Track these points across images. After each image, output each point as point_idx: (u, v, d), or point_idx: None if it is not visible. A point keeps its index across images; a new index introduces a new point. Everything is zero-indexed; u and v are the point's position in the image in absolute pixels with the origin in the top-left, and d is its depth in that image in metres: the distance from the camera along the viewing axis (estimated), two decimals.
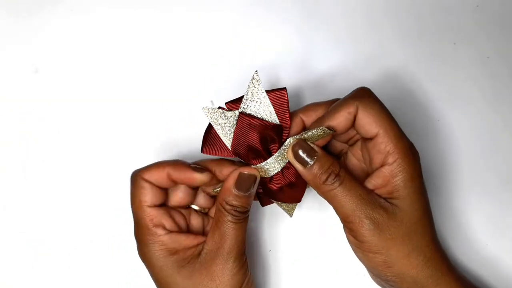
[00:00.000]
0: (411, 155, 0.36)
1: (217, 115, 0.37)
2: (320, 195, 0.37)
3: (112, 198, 0.46)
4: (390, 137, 0.36)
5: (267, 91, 0.37)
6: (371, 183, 0.37)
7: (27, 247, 0.46)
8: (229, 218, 0.37)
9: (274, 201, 0.40)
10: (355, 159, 0.40)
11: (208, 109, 0.37)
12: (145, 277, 0.45)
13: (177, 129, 0.47)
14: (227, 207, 0.37)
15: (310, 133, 0.37)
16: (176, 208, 0.40)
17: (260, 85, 0.37)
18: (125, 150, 0.47)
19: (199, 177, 0.37)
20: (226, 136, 0.37)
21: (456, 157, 0.46)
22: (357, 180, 0.37)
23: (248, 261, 0.39)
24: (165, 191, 0.39)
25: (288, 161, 0.38)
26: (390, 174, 0.36)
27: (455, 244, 0.45)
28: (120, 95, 0.47)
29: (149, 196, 0.38)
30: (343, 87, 0.46)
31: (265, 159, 0.37)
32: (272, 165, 0.37)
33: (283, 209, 0.40)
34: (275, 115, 0.37)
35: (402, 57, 0.47)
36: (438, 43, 0.47)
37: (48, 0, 0.48)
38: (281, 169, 0.38)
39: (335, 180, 0.36)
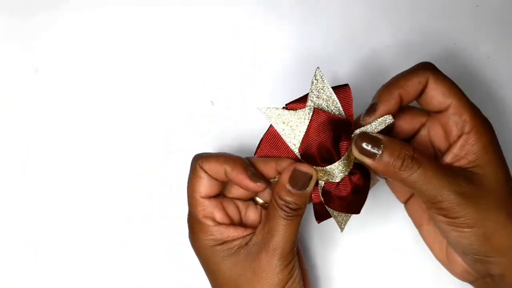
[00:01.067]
0: (487, 122, 0.36)
1: (280, 115, 0.35)
2: (399, 183, 0.35)
3: (112, 198, 0.46)
4: (464, 105, 0.35)
5: (332, 88, 0.35)
6: (450, 156, 0.36)
7: (27, 247, 0.46)
8: (281, 213, 0.35)
9: (331, 211, 0.37)
10: (420, 146, 0.39)
11: (267, 109, 0.35)
12: (145, 277, 0.45)
13: (177, 129, 0.47)
14: (280, 202, 0.35)
15: (369, 126, 0.35)
16: (234, 199, 0.39)
17: (326, 81, 0.35)
18: (125, 150, 0.47)
19: (252, 186, 0.36)
20: (294, 136, 0.35)
21: None
22: (433, 159, 0.35)
23: (297, 261, 0.37)
24: (222, 183, 0.38)
25: (354, 163, 0.36)
26: (469, 142, 0.35)
27: None
28: (120, 95, 0.47)
29: (203, 187, 0.37)
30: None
31: (334, 160, 0.35)
32: (340, 168, 0.35)
33: (337, 221, 0.38)
34: (344, 113, 0.35)
35: (401, 57, 0.47)
36: (438, 42, 0.47)
37: (48, 0, 0.48)
38: (349, 174, 0.36)
39: (412, 163, 0.34)
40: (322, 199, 0.36)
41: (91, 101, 0.47)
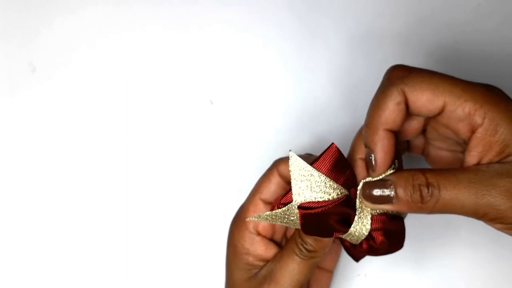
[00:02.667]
0: (495, 96, 0.30)
1: (275, 216, 0.32)
2: (431, 214, 0.30)
3: (112, 198, 0.46)
4: (461, 95, 0.29)
5: (315, 161, 0.31)
6: (472, 156, 0.30)
7: (27, 247, 0.46)
8: (296, 250, 0.34)
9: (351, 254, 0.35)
10: (441, 151, 0.34)
11: (260, 217, 0.33)
12: (145, 277, 0.45)
13: (177, 129, 0.47)
14: (298, 239, 0.34)
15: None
16: None
17: (302, 162, 0.31)
18: (124, 150, 0.47)
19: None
20: (292, 224, 0.33)
21: None
22: (451, 169, 0.30)
23: None
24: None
25: (371, 215, 0.32)
26: (488, 134, 0.29)
27: None
28: (119, 95, 0.47)
29: (269, 192, 0.36)
30: (345, 90, 0.46)
31: (344, 232, 0.32)
32: (356, 233, 0.32)
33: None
34: (335, 184, 0.31)
35: (402, 55, 0.46)
36: (439, 41, 0.47)
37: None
38: (369, 233, 0.33)
39: (430, 190, 0.29)
40: (347, 253, 0.35)
41: (90, 101, 0.47)
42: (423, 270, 0.44)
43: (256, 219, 0.33)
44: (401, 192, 0.30)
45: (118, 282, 0.46)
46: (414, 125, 0.33)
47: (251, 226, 0.36)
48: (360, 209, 0.32)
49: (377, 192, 0.30)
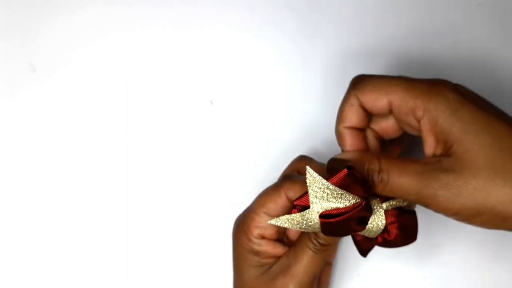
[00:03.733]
0: (436, 89, 0.31)
1: (293, 221, 0.34)
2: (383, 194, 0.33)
3: (112, 198, 0.46)
4: (403, 93, 0.31)
5: (328, 178, 0.33)
6: (428, 147, 0.32)
7: (27, 247, 0.46)
8: (309, 244, 0.35)
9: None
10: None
11: (280, 220, 0.34)
12: (144, 277, 0.45)
13: (177, 129, 0.47)
14: (312, 234, 0.35)
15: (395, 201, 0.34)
16: None
17: (316, 177, 0.33)
18: (124, 150, 0.47)
19: None
20: (310, 229, 0.34)
21: None
22: (406, 159, 0.32)
23: None
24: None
25: (385, 210, 0.34)
26: (430, 125, 0.31)
27: None
28: (119, 95, 0.47)
29: (275, 210, 0.36)
30: (345, 90, 0.46)
31: (361, 230, 0.34)
32: (373, 230, 0.34)
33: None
34: (351, 194, 0.33)
35: (402, 55, 0.46)
36: (438, 42, 0.47)
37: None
38: (385, 228, 0.34)
39: (380, 176, 0.32)
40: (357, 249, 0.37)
41: (90, 101, 0.47)
42: (423, 270, 0.44)
43: (275, 222, 0.34)
44: (358, 169, 0.32)
45: (118, 282, 0.46)
46: (390, 124, 0.35)
47: (256, 233, 0.37)
48: (374, 207, 0.34)
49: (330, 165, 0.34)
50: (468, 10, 0.47)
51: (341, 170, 0.32)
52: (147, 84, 0.47)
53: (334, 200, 0.33)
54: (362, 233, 0.34)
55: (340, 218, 0.32)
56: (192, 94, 0.47)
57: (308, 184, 0.33)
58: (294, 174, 0.39)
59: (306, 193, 0.33)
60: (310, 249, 0.35)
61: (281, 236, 0.39)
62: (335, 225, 0.33)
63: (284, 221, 0.34)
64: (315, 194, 0.33)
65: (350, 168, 0.32)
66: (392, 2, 0.47)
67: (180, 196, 0.46)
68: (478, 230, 0.44)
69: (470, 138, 0.30)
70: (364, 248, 0.37)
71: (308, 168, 0.32)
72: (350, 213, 0.32)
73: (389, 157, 0.33)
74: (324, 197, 0.33)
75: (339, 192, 0.33)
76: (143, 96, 0.47)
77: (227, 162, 0.46)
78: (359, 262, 0.44)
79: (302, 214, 0.33)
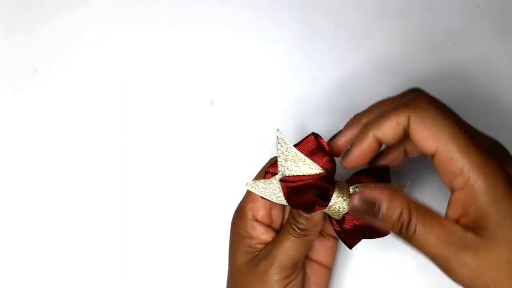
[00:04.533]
0: (489, 171, 0.29)
1: (263, 186, 0.36)
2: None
3: (112, 198, 0.46)
4: (454, 153, 0.29)
5: (296, 145, 0.35)
6: (452, 211, 0.31)
7: (27, 246, 0.47)
8: (290, 230, 0.37)
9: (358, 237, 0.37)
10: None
11: (252, 184, 0.36)
12: (144, 277, 0.45)
13: (177, 130, 0.47)
14: (291, 219, 0.37)
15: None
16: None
17: (287, 142, 0.35)
18: (124, 150, 0.47)
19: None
20: (280, 200, 0.36)
21: None
22: (434, 217, 0.31)
23: (299, 281, 0.38)
24: None
25: (351, 193, 0.35)
26: (465, 200, 0.29)
27: None
28: (120, 95, 0.47)
29: None
30: (345, 90, 0.46)
31: (325, 206, 0.35)
32: (337, 206, 0.35)
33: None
34: (315, 164, 0.35)
35: (402, 57, 0.47)
36: (438, 42, 0.47)
37: (47, 0, 0.48)
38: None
39: (408, 228, 0.30)
40: (335, 233, 0.37)
41: (91, 101, 0.47)
42: (422, 270, 0.44)
43: (252, 187, 0.36)
44: (388, 212, 0.31)
45: (118, 282, 0.46)
46: (415, 150, 0.36)
47: (250, 214, 0.38)
48: (340, 187, 0.35)
49: (365, 206, 0.32)
50: (466, 12, 0.47)
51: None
52: (148, 85, 0.48)
53: (297, 168, 0.35)
54: (326, 210, 0.35)
55: (298, 183, 0.34)
56: (192, 95, 0.47)
57: (278, 149, 0.35)
58: None
59: (276, 162, 0.35)
60: (291, 234, 0.37)
61: (276, 223, 0.40)
62: (295, 191, 0.35)
63: (260, 186, 0.36)
64: (283, 158, 0.35)
65: (316, 136, 0.35)
66: (392, 3, 0.47)
67: (180, 196, 0.46)
68: None
69: (503, 231, 0.29)
70: (346, 240, 0.37)
71: (278, 133, 0.34)
72: (309, 180, 0.34)
73: (420, 209, 0.31)
74: (289, 162, 0.35)
75: (303, 159, 0.35)
76: (143, 96, 0.47)
77: (227, 162, 0.46)
78: (358, 261, 0.45)
79: (272, 180, 0.35)
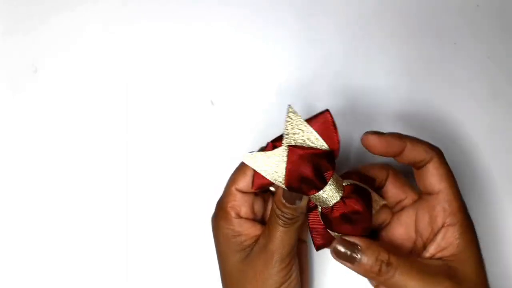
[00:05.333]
0: (468, 217, 0.37)
1: (262, 159, 0.36)
2: (380, 284, 0.37)
3: (112, 197, 0.46)
4: (455, 196, 0.37)
5: (308, 120, 0.36)
6: (431, 248, 0.37)
7: (27, 246, 0.47)
8: (279, 221, 0.37)
9: (333, 234, 0.38)
10: (401, 228, 0.40)
11: (250, 155, 0.36)
12: (144, 277, 0.45)
13: (177, 130, 0.47)
14: (278, 211, 0.37)
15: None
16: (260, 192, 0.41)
17: (298, 116, 0.35)
18: (124, 151, 0.47)
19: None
20: (278, 175, 0.36)
21: (456, 157, 0.46)
22: (411, 257, 0.37)
23: (295, 266, 0.39)
24: None
25: (350, 188, 0.36)
26: (453, 235, 0.36)
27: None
28: (120, 95, 0.47)
29: (244, 183, 0.39)
30: (345, 90, 0.46)
31: (321, 188, 0.36)
32: (330, 193, 0.36)
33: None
34: (322, 140, 0.36)
35: (402, 57, 0.47)
36: (438, 42, 0.47)
37: (48, 0, 0.48)
38: (342, 198, 0.36)
39: (388, 268, 0.35)
40: (323, 222, 0.37)
41: (91, 101, 0.47)
42: None
43: (250, 158, 0.36)
44: (365, 259, 0.35)
45: (118, 282, 0.46)
46: (400, 195, 0.40)
47: (233, 213, 0.39)
48: (335, 177, 0.35)
49: (344, 250, 0.36)
50: (466, 12, 0.47)
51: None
52: (148, 85, 0.48)
53: (303, 139, 0.35)
54: (315, 196, 0.35)
55: (305, 152, 0.35)
56: (193, 95, 0.47)
57: (287, 121, 0.35)
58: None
59: (281, 136, 0.36)
60: (281, 225, 0.37)
61: (259, 216, 0.41)
62: (298, 160, 0.35)
63: (259, 159, 0.36)
64: (291, 131, 0.35)
65: (329, 114, 0.36)
66: (392, 3, 0.47)
67: (180, 196, 0.46)
68: (479, 232, 0.45)
69: (474, 267, 0.36)
70: (335, 228, 0.37)
71: (289, 107, 0.35)
72: (315, 151, 0.35)
73: (397, 253, 0.36)
74: (297, 135, 0.35)
75: (312, 133, 0.35)
76: (143, 96, 0.47)
77: (227, 162, 0.46)
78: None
79: (275, 151, 0.36)
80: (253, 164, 0.36)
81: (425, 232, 0.38)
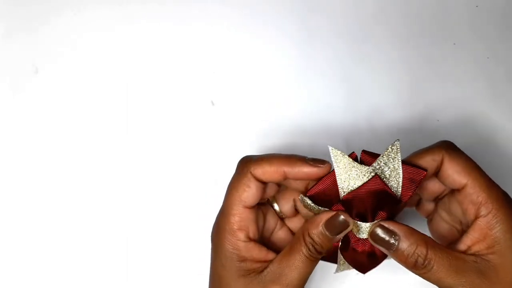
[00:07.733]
0: (507, 204, 0.34)
1: (346, 162, 0.35)
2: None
3: (112, 197, 0.46)
4: (481, 186, 0.35)
5: (404, 162, 0.35)
6: (466, 240, 0.35)
7: (27, 246, 0.47)
8: (304, 250, 0.35)
9: (342, 255, 0.37)
10: (443, 222, 0.39)
11: (337, 151, 0.35)
12: (144, 277, 0.45)
13: (178, 130, 0.47)
14: (307, 239, 0.35)
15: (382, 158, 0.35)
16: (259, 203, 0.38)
17: (399, 154, 0.35)
18: (124, 151, 0.47)
19: (317, 170, 0.35)
20: (347, 185, 0.35)
21: None
22: (448, 252, 0.34)
23: None
24: (265, 187, 0.37)
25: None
26: (486, 226, 0.34)
27: None
28: (120, 95, 0.47)
29: (251, 197, 0.36)
30: (345, 90, 0.46)
31: (366, 220, 0.35)
32: (367, 229, 0.35)
33: (340, 264, 0.38)
34: (401, 188, 0.35)
35: (402, 57, 0.47)
36: (438, 43, 0.47)
37: (49, 0, 0.48)
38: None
39: (424, 264, 0.34)
40: (340, 243, 0.37)
41: (91, 102, 0.47)
42: None
43: (337, 158, 0.35)
44: (403, 246, 0.34)
45: (118, 282, 0.46)
46: (437, 188, 0.38)
47: (243, 235, 0.36)
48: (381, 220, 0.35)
49: (384, 235, 0.34)
50: (465, 12, 0.47)
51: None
52: (148, 85, 0.48)
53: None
54: (357, 223, 0.35)
55: (381, 187, 0.34)
56: (193, 95, 0.47)
57: (387, 149, 0.35)
58: (250, 156, 0.37)
59: (372, 155, 0.35)
60: (306, 256, 0.35)
61: (265, 238, 0.38)
62: (368, 192, 0.34)
63: (345, 160, 0.35)
64: (386, 159, 0.35)
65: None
66: (392, 5, 0.47)
67: (180, 196, 0.46)
68: None
69: (510, 254, 0.34)
70: (360, 260, 0.37)
71: (397, 141, 0.35)
72: (387, 189, 0.34)
73: (435, 246, 0.34)
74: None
75: (399, 177, 0.35)
76: (144, 97, 0.47)
77: (227, 163, 0.46)
78: None
79: (361, 166, 0.35)
80: (337, 163, 0.35)
81: (462, 226, 0.37)
